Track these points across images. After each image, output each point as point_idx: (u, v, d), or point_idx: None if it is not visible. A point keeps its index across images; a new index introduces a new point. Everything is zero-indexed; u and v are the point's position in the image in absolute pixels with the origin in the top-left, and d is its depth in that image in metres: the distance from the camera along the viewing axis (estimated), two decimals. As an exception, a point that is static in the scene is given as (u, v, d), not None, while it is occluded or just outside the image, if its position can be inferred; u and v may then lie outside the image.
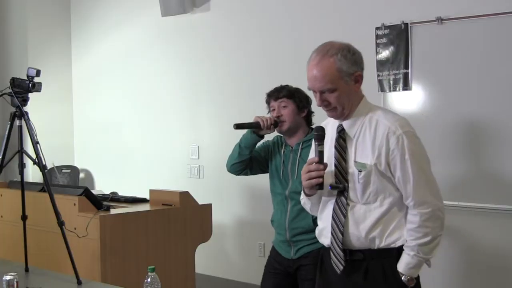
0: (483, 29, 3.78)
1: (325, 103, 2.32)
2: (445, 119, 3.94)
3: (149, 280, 2.28)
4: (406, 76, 4.09)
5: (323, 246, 2.49)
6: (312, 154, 2.44)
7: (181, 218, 3.88)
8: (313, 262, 3.13)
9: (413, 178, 2.25)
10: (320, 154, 2.29)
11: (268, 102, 3.28)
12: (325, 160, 2.31)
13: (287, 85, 3.27)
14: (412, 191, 2.25)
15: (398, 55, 4.12)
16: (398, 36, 4.11)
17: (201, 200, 4.05)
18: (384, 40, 4.18)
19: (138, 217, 3.72)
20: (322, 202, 2.44)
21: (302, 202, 2.55)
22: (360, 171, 2.28)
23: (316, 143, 2.31)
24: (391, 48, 4.15)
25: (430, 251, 2.29)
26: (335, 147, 2.37)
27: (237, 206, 5.21)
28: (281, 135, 3.30)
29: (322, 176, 2.28)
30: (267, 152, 3.34)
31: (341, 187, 2.33)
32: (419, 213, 2.25)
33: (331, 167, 2.35)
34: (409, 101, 4.09)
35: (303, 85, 3.29)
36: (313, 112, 3.28)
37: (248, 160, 3.29)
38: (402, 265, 2.29)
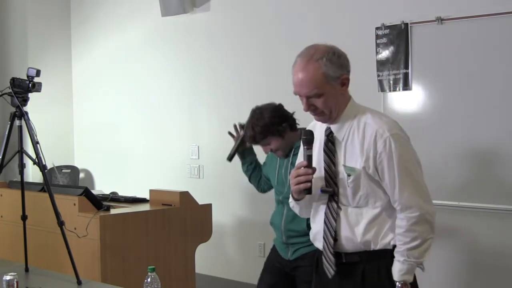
0: (483, 29, 3.78)
1: (312, 108, 2.27)
2: (445, 119, 3.94)
3: (149, 280, 2.28)
4: (406, 76, 4.09)
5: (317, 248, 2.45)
6: (300, 158, 2.40)
7: (181, 218, 3.88)
8: (310, 263, 3.12)
9: (399, 182, 2.20)
10: (309, 158, 2.25)
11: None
12: (314, 164, 2.27)
13: (254, 127, 3.18)
14: (398, 194, 2.21)
15: (398, 55, 4.11)
16: (398, 36, 4.11)
17: (201, 200, 4.06)
18: (384, 40, 4.18)
19: (138, 217, 3.72)
20: (314, 206, 2.40)
21: (291, 205, 2.50)
22: (349, 175, 2.25)
23: (305, 147, 2.26)
24: (391, 48, 4.15)
25: (421, 255, 2.23)
26: (324, 151, 2.32)
27: (237, 206, 5.21)
28: None
29: (310, 181, 2.23)
30: (265, 168, 3.49)
31: (331, 191, 2.29)
32: (406, 217, 2.21)
33: (321, 171, 2.31)
34: (409, 101, 4.09)
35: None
36: (294, 112, 3.24)
37: (256, 175, 3.58)
38: (395, 273, 2.23)
